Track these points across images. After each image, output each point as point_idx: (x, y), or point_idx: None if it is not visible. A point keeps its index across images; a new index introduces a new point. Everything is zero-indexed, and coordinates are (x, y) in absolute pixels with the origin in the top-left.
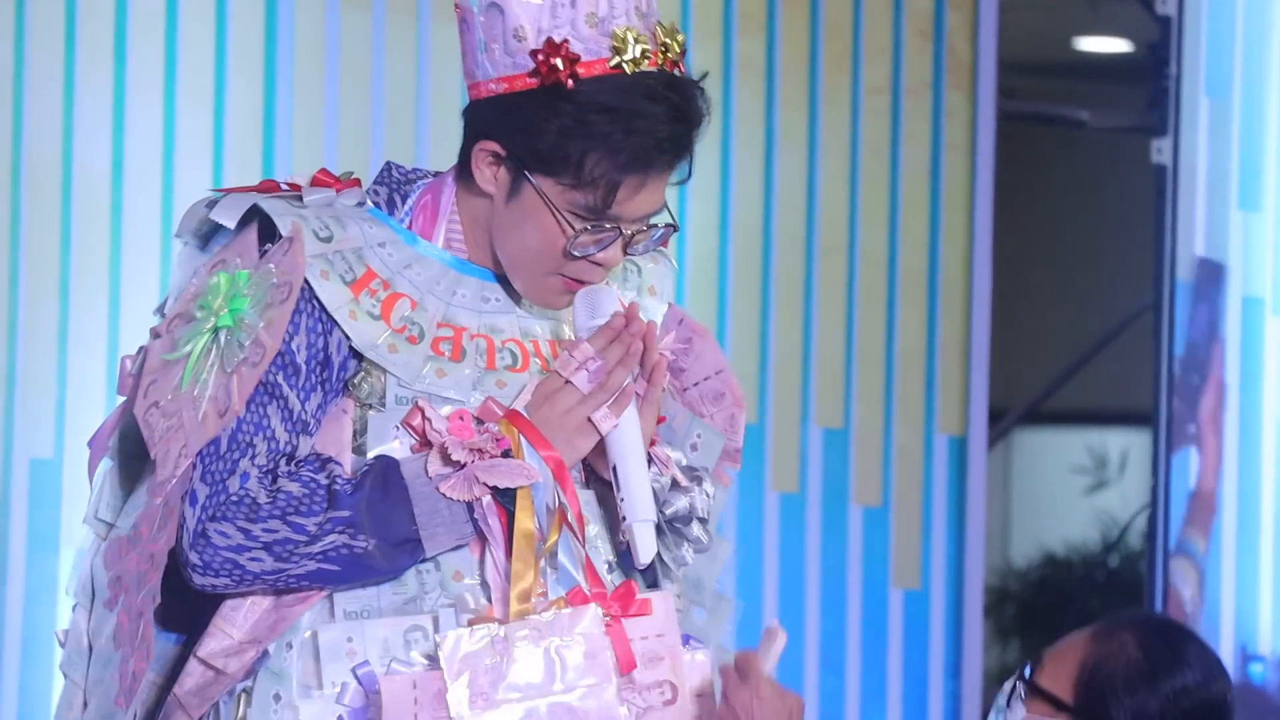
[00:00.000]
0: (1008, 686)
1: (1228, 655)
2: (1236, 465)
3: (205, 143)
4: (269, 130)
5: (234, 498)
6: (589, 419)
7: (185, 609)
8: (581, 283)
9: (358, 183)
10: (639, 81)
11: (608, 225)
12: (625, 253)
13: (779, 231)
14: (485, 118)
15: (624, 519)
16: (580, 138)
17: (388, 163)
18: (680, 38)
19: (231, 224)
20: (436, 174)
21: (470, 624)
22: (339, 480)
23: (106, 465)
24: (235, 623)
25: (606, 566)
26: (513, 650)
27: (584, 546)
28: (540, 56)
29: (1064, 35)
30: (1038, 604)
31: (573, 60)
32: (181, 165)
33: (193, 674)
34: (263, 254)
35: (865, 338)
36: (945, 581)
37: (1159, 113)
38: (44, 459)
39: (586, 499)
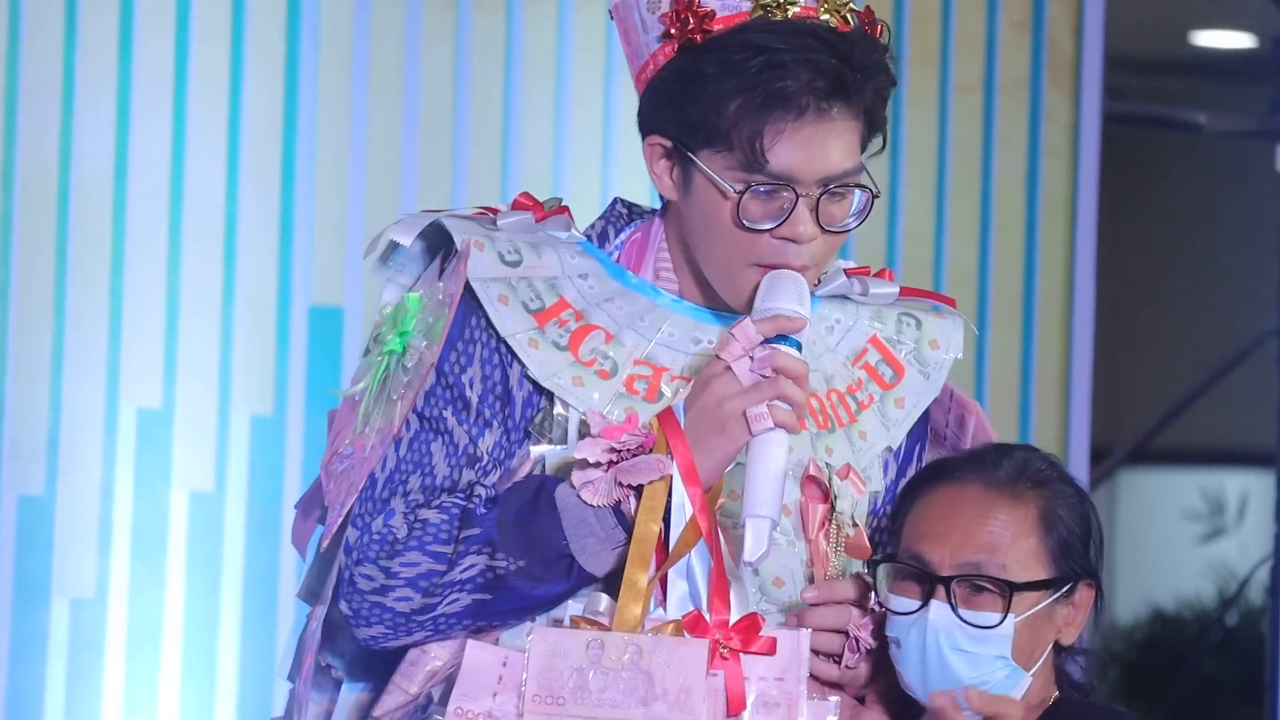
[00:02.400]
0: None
1: None
2: None
3: (219, 147)
4: (289, 132)
5: (376, 537)
6: (744, 414)
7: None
8: (776, 269)
9: (566, 210)
10: (781, 25)
11: (772, 184)
12: (822, 227)
13: (857, 247)
14: (646, 111)
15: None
16: (720, 89)
17: (615, 198)
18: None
19: (408, 241)
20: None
21: (574, 622)
22: (476, 499)
23: (317, 533)
24: (413, 678)
25: (757, 595)
26: (605, 661)
27: (733, 563)
28: (670, 16)
29: (1179, 28)
30: (1146, 667)
31: (705, 15)
32: (192, 171)
33: None
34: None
35: (953, 366)
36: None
37: None
38: (33, 496)
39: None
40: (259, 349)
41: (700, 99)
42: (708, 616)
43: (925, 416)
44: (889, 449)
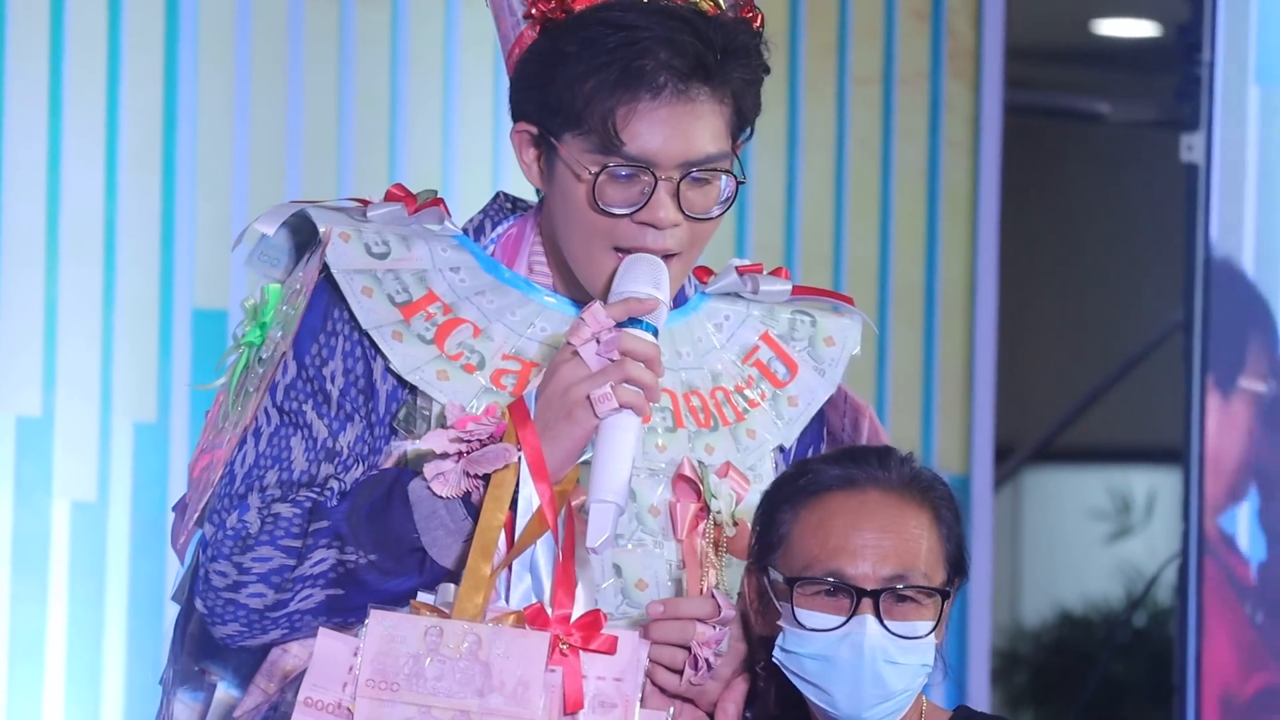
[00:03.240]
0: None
1: None
2: None
3: (97, 147)
4: (169, 131)
5: (230, 532)
6: (588, 397)
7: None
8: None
9: (440, 203)
10: (645, 5)
11: (629, 166)
12: (685, 214)
13: (754, 240)
14: (513, 97)
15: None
16: (576, 69)
17: (498, 191)
18: None
19: (270, 230)
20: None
21: (413, 607)
22: (328, 493)
23: (199, 537)
24: (272, 677)
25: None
26: (442, 649)
27: (586, 555)
28: None
29: (1080, 17)
30: (1053, 669)
31: None
32: (69, 173)
33: None
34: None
35: (853, 363)
36: (947, 644)
37: (1190, 104)
38: None
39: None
40: (141, 354)
41: (559, 80)
42: (550, 610)
43: (820, 419)
44: (780, 448)
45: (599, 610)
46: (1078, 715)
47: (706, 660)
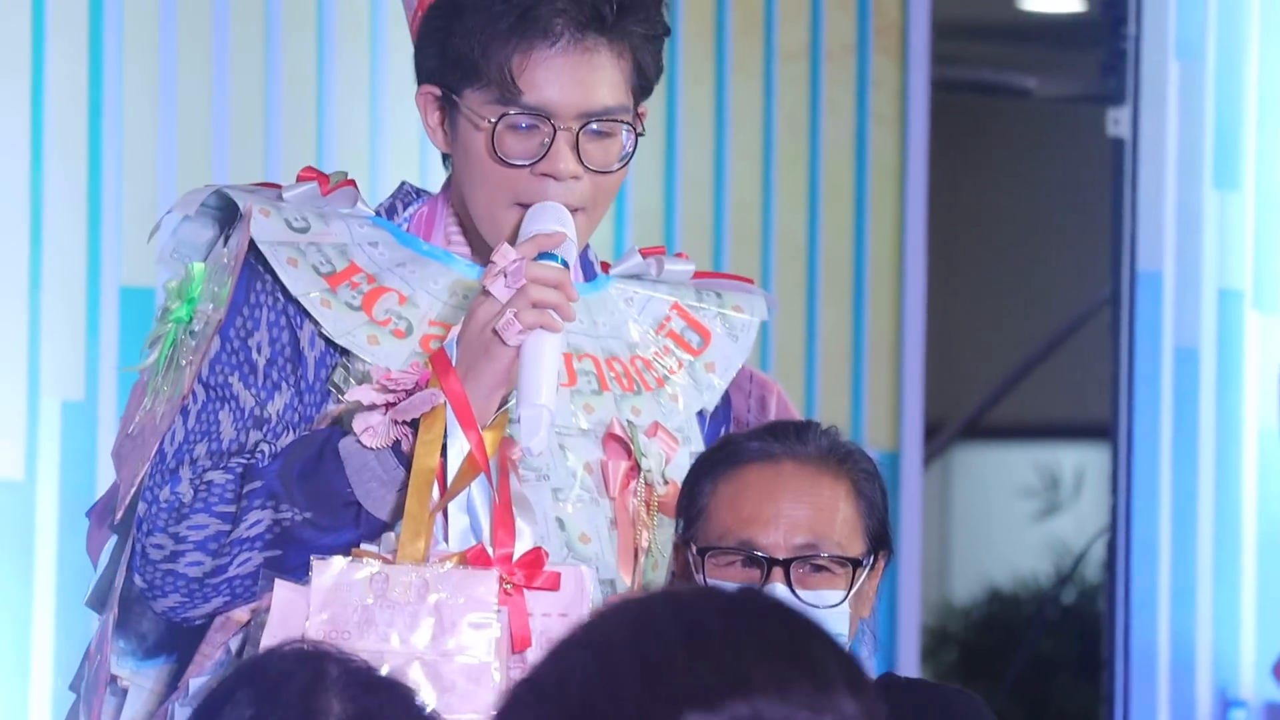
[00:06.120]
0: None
1: (1205, 701)
2: (1214, 485)
3: (21, 125)
4: (95, 109)
5: (164, 505)
6: (494, 330)
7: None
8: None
9: (352, 184)
10: None
11: (528, 116)
12: (585, 165)
13: (682, 217)
14: (416, 61)
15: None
16: (474, 20)
17: (402, 181)
18: None
19: (191, 211)
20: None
21: (353, 554)
22: (259, 455)
23: (113, 541)
24: (215, 643)
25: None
26: (390, 594)
27: (523, 496)
28: None
29: None
30: (982, 646)
31: None
32: None
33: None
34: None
35: (782, 339)
36: (876, 619)
37: (1115, 79)
38: None
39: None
40: (68, 332)
41: (456, 33)
42: (490, 551)
43: (727, 400)
44: (701, 413)
45: (540, 548)
46: (1007, 691)
47: None
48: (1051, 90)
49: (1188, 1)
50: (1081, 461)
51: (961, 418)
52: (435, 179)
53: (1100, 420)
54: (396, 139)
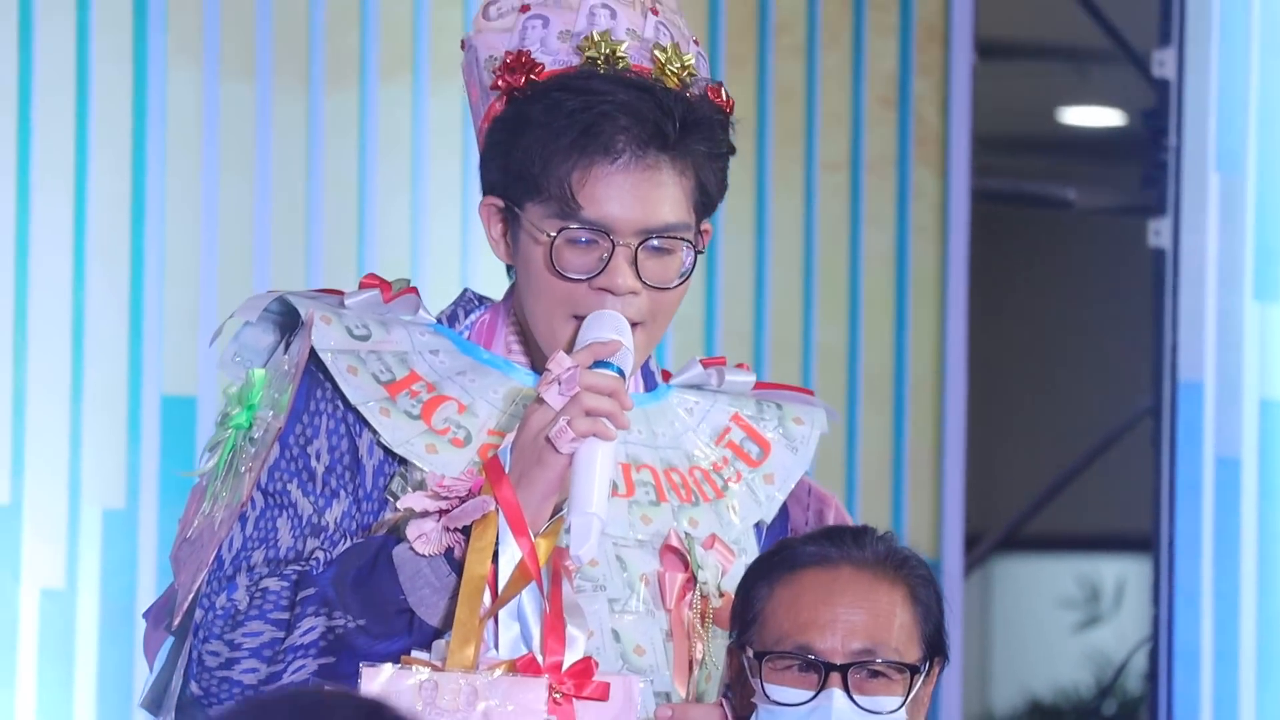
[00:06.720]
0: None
1: None
2: (1255, 595)
3: (65, 232)
4: (138, 216)
5: (220, 612)
6: (547, 437)
7: None
8: None
9: (414, 291)
10: (609, 74)
11: (587, 231)
12: (643, 281)
13: (723, 327)
14: (481, 172)
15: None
16: (537, 134)
17: (465, 288)
18: (689, 60)
19: (254, 317)
20: None
21: (403, 661)
22: (314, 562)
23: (168, 643)
24: None
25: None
26: (439, 701)
27: (574, 602)
28: (499, 69)
29: (1047, 105)
30: None
31: (533, 67)
32: (37, 258)
33: None
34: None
35: (823, 449)
36: None
37: (1156, 190)
38: None
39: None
40: (110, 440)
41: (520, 146)
42: (540, 659)
43: (784, 514)
44: (759, 524)
45: (590, 658)
46: None
47: None
48: (1092, 201)
49: (1228, 113)
50: (1122, 572)
51: (1002, 528)
52: (475, 286)
53: (1141, 530)
54: (437, 245)
